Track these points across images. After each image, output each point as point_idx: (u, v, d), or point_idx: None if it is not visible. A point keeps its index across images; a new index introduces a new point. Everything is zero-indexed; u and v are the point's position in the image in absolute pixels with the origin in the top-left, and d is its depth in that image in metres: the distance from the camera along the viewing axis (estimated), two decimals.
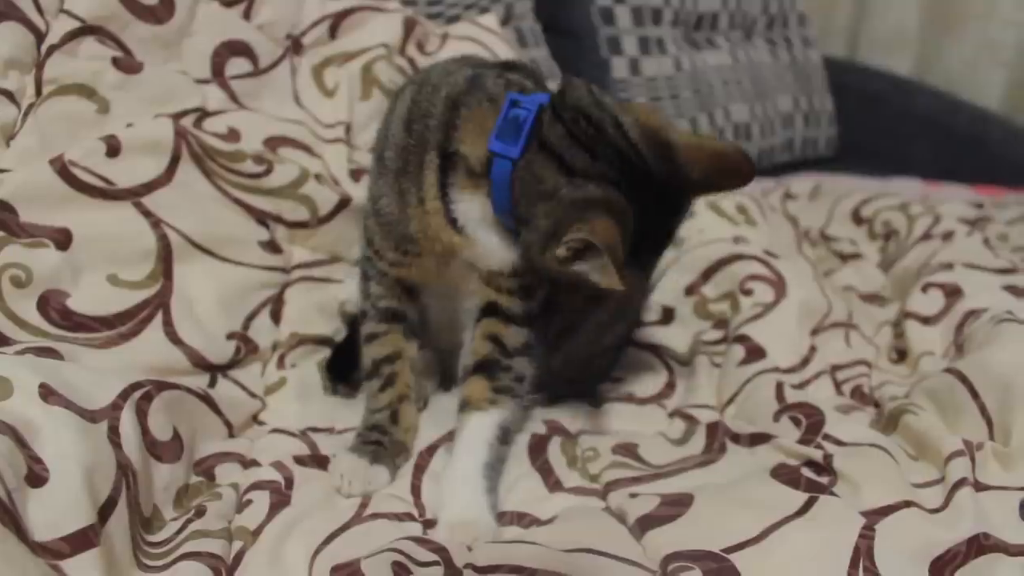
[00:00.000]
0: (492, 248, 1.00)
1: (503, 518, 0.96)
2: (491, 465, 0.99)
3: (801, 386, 1.21)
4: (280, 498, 0.94)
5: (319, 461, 1.04)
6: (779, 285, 1.36)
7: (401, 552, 0.81)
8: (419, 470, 1.04)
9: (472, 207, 0.98)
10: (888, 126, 2.84)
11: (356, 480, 0.98)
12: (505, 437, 1.03)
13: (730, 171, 0.94)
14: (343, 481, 0.98)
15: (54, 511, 0.75)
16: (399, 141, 1.01)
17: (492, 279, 1.04)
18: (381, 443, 1.04)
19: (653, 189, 0.93)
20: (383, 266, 1.09)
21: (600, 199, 0.90)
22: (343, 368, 1.21)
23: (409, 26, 1.59)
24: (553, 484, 1.02)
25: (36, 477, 0.76)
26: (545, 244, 0.92)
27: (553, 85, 1.02)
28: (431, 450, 1.07)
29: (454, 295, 1.09)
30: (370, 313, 1.13)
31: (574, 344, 1.18)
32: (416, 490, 1.01)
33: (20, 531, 0.71)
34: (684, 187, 0.95)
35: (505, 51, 1.66)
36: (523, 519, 0.96)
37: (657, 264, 1.00)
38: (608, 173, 0.91)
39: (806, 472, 0.95)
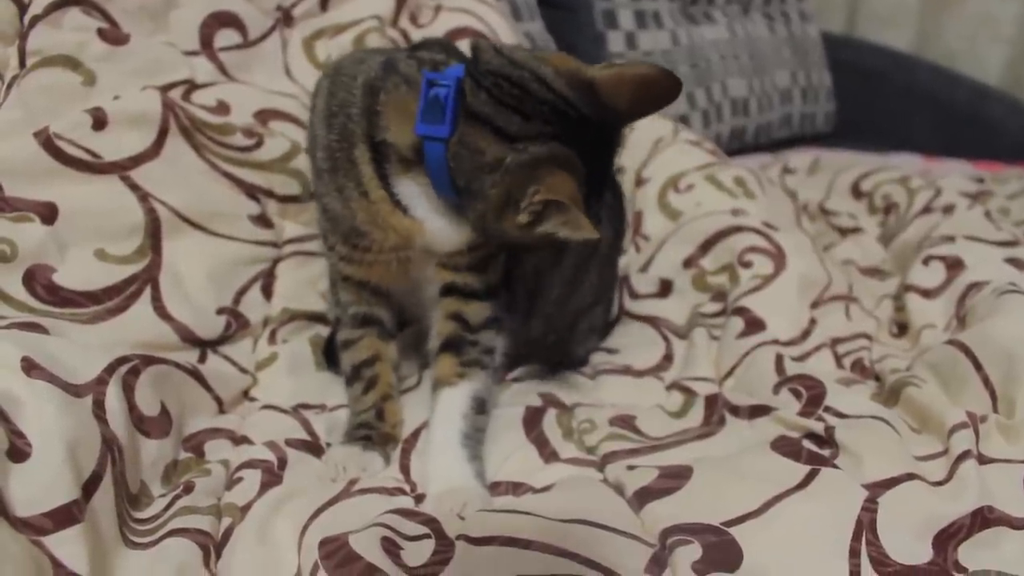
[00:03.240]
0: (443, 228, 0.99)
1: (497, 488, 0.96)
2: (469, 435, 0.99)
3: (801, 359, 1.20)
4: (271, 478, 0.92)
5: (312, 447, 1.03)
6: (778, 257, 1.34)
7: (389, 527, 0.80)
8: (406, 452, 1.04)
9: (414, 189, 0.97)
10: (887, 102, 2.83)
11: (352, 466, 0.98)
12: (480, 407, 1.02)
13: (655, 93, 0.91)
14: (338, 469, 0.97)
15: (37, 486, 0.73)
16: (323, 139, 1.00)
17: (448, 260, 1.03)
18: (370, 437, 1.03)
19: (587, 130, 0.92)
20: (344, 267, 1.08)
21: (546, 156, 0.89)
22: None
23: None
24: (549, 455, 1.01)
25: (18, 452, 0.74)
26: (500, 213, 0.91)
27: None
28: (417, 433, 1.06)
29: (415, 286, 1.08)
30: (343, 320, 1.12)
31: (547, 306, 1.17)
32: (405, 469, 1.01)
33: (1, 506, 0.69)
34: (614, 120, 0.93)
35: (499, 23, 1.63)
36: (518, 489, 0.95)
37: (601, 204, 0.99)
38: (545, 129, 0.90)
39: (807, 444, 0.94)
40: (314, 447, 1.03)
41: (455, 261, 1.03)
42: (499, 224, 0.92)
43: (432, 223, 0.99)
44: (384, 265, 1.04)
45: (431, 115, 0.92)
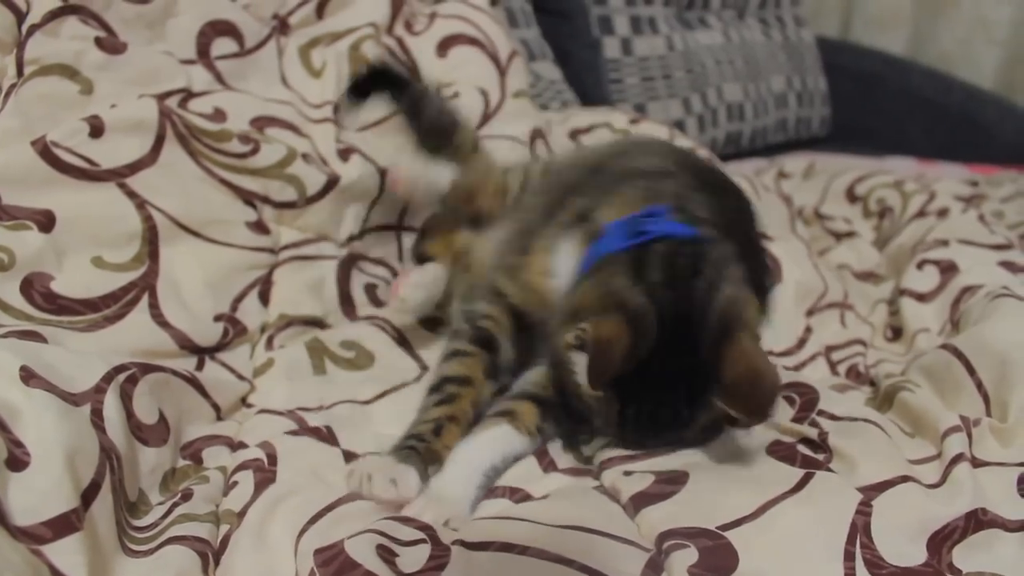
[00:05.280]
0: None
1: (495, 492, 0.95)
2: (490, 474, 0.96)
3: (796, 369, 1.20)
4: (264, 476, 0.91)
5: (309, 431, 1.02)
6: (774, 266, 1.35)
7: (384, 534, 0.79)
8: None
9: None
10: (882, 106, 2.84)
11: (379, 477, 0.89)
12: (515, 461, 1.00)
13: (755, 391, 0.90)
14: (361, 480, 0.89)
15: (35, 495, 0.73)
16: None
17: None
18: (415, 448, 0.95)
19: (687, 358, 0.91)
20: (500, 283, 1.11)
21: (628, 303, 0.91)
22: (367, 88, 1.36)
23: (397, 5, 1.57)
24: (547, 464, 1.01)
25: (17, 461, 0.74)
26: (561, 322, 0.95)
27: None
28: None
29: (542, 329, 1.07)
30: (463, 331, 1.11)
31: None
32: None
33: (0, 516, 0.69)
34: (709, 376, 0.91)
35: (495, 30, 1.64)
36: (515, 494, 0.95)
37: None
38: (662, 296, 0.92)
39: (801, 449, 0.94)
40: (310, 431, 1.02)
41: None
42: (560, 327, 0.96)
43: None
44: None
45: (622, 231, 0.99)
